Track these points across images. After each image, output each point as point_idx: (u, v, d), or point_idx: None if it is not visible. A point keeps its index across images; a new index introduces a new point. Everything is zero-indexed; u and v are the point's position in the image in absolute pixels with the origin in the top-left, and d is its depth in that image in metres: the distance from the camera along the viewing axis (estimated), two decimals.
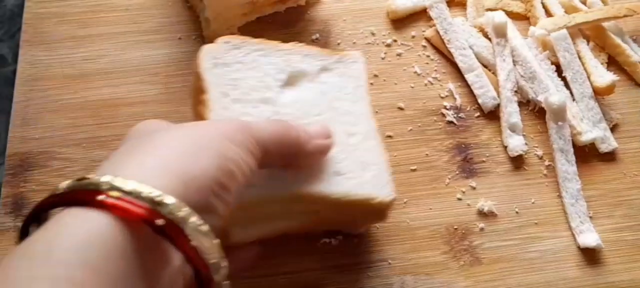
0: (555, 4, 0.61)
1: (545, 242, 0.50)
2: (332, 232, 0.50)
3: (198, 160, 0.32)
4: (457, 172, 0.53)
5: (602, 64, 0.58)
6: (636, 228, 0.51)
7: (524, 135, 0.54)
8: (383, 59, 0.58)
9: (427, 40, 0.60)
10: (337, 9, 0.61)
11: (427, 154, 0.54)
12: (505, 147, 0.54)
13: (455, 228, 0.50)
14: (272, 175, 0.40)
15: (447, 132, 0.54)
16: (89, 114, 0.55)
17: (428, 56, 0.59)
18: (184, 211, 0.29)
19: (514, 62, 0.57)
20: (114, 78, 0.57)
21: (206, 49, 0.44)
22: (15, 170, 0.52)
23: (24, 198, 0.51)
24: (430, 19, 0.60)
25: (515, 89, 0.56)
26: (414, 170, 0.53)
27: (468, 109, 0.56)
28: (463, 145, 0.54)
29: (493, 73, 0.57)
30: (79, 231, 0.27)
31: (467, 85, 0.57)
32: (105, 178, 0.29)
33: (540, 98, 0.54)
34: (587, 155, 0.54)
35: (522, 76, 0.56)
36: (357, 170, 0.43)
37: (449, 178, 0.53)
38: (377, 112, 0.52)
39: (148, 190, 0.29)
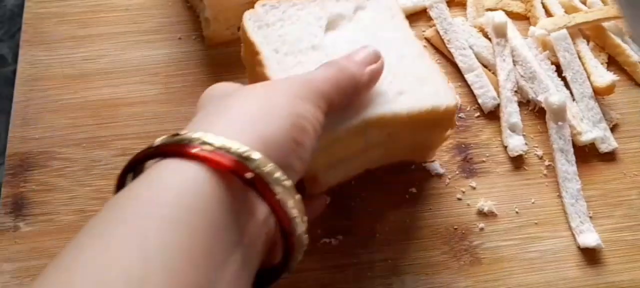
0: (555, 4, 0.61)
1: (545, 242, 0.50)
2: (332, 232, 0.50)
3: (274, 120, 0.34)
4: (457, 172, 0.53)
5: (602, 64, 0.58)
6: (636, 228, 0.51)
7: (524, 135, 0.54)
8: None
9: (427, 40, 0.60)
10: None
11: None
12: (505, 147, 0.54)
13: (455, 228, 0.50)
14: (340, 112, 0.43)
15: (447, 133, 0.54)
16: (89, 114, 0.55)
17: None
18: (269, 166, 0.31)
19: (514, 62, 0.57)
20: (114, 78, 0.57)
21: (248, 14, 0.47)
22: (15, 170, 0.52)
23: (24, 198, 0.51)
24: (430, 19, 0.60)
25: (515, 89, 0.56)
26: (414, 169, 0.53)
27: (468, 109, 0.56)
28: (463, 145, 0.54)
29: (493, 73, 0.57)
30: (178, 179, 0.30)
31: (467, 85, 0.57)
32: (196, 134, 0.31)
33: (540, 98, 0.54)
34: (587, 155, 0.54)
35: (522, 76, 0.56)
36: (417, 86, 0.46)
37: (449, 178, 0.53)
38: None
39: (236, 146, 0.31)
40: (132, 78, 0.57)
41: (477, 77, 0.57)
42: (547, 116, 0.54)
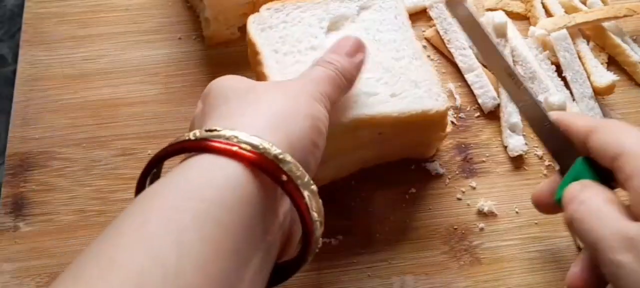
0: (555, 4, 0.61)
1: (545, 242, 0.50)
2: (332, 232, 0.50)
3: (298, 121, 0.35)
4: (457, 172, 0.53)
5: (602, 64, 0.57)
6: None
7: (524, 135, 0.54)
8: None
9: (427, 40, 0.60)
10: None
11: None
12: (505, 147, 0.54)
13: (455, 228, 0.50)
14: (333, 108, 0.44)
15: (446, 133, 0.54)
16: (89, 114, 0.55)
17: (428, 56, 0.58)
18: (301, 170, 0.32)
19: (514, 62, 0.57)
20: (114, 78, 0.57)
21: (252, 18, 0.49)
22: (15, 170, 0.52)
23: (24, 198, 0.51)
24: (430, 19, 0.60)
25: None
26: (414, 169, 0.53)
27: (468, 108, 0.56)
28: (463, 145, 0.54)
29: (493, 73, 0.57)
30: (217, 174, 0.30)
31: (467, 85, 0.57)
32: (233, 133, 0.32)
33: (541, 98, 0.54)
34: None
35: (522, 76, 0.56)
36: (410, 88, 0.47)
37: (449, 178, 0.53)
38: None
39: (273, 147, 0.32)
40: (132, 78, 0.57)
41: (477, 77, 0.57)
42: None
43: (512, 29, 0.59)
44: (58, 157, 0.53)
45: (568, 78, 0.56)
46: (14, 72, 0.57)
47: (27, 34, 0.59)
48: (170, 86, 0.57)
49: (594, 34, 0.59)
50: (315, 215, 0.33)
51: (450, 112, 0.55)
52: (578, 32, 0.59)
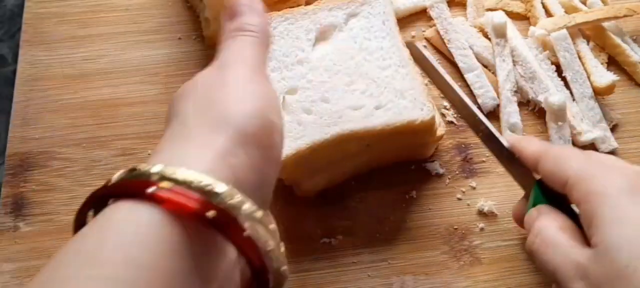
0: (555, 4, 0.61)
1: None
2: (332, 232, 0.50)
3: (243, 126, 0.31)
4: (457, 172, 0.53)
5: (602, 64, 0.57)
6: None
7: (524, 135, 0.54)
8: None
9: (427, 40, 0.60)
10: None
11: None
12: None
13: (455, 228, 0.50)
14: (317, 122, 0.45)
15: (447, 132, 0.54)
16: (89, 114, 0.55)
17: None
18: (236, 199, 0.28)
19: (514, 62, 0.57)
20: (114, 78, 0.57)
21: None
22: (15, 170, 0.52)
23: (24, 198, 0.51)
24: (430, 19, 0.60)
25: (515, 89, 0.56)
26: (414, 169, 0.53)
27: None
28: (463, 145, 0.54)
29: (493, 73, 0.57)
30: (127, 227, 0.26)
31: (467, 85, 0.57)
32: (155, 168, 0.28)
33: (540, 98, 0.54)
34: None
35: (522, 76, 0.56)
36: (395, 99, 0.47)
37: (449, 179, 0.53)
38: None
39: (199, 179, 0.27)
40: (132, 78, 0.57)
41: (477, 77, 0.56)
42: (547, 116, 0.54)
43: (512, 29, 0.59)
44: (58, 157, 0.53)
45: (568, 78, 0.56)
46: (14, 72, 0.57)
47: (27, 34, 0.59)
48: (170, 86, 0.57)
49: (594, 34, 0.59)
50: (267, 244, 0.29)
51: (450, 112, 0.55)
52: (578, 32, 0.59)
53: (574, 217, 0.39)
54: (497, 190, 0.52)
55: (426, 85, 0.51)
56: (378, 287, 0.48)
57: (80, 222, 0.30)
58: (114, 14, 0.61)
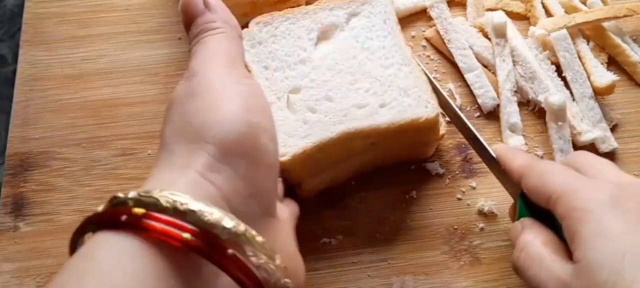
0: (555, 4, 0.61)
1: None
2: (332, 232, 0.50)
3: (227, 127, 0.30)
4: (457, 172, 0.53)
5: (602, 64, 0.57)
6: None
7: (524, 135, 0.54)
8: None
9: (427, 40, 0.60)
10: None
11: None
12: None
13: (455, 228, 0.50)
14: (322, 120, 0.46)
15: (447, 132, 0.54)
16: (89, 114, 0.55)
17: (428, 56, 0.59)
18: (215, 215, 0.26)
19: (514, 62, 0.57)
20: (113, 78, 0.57)
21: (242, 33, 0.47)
22: (15, 170, 0.52)
23: (23, 198, 0.51)
24: (430, 19, 0.60)
25: (515, 89, 0.56)
26: (414, 169, 0.53)
27: (468, 109, 0.56)
28: (463, 145, 0.54)
29: (493, 73, 0.57)
30: (107, 258, 0.25)
31: (467, 85, 0.57)
32: (131, 194, 0.27)
33: (540, 98, 0.54)
34: None
35: (522, 76, 0.56)
36: (399, 97, 0.48)
37: (449, 179, 0.53)
38: None
39: (173, 199, 0.26)
40: (132, 78, 0.57)
41: (477, 77, 0.56)
42: (547, 116, 0.54)
43: (512, 29, 0.59)
44: (58, 157, 0.53)
45: (568, 78, 0.56)
46: (14, 72, 0.57)
47: (27, 34, 0.59)
48: (170, 86, 0.57)
49: (594, 34, 0.59)
50: (258, 259, 0.27)
51: None
52: (578, 32, 0.59)
53: (558, 228, 0.40)
54: (497, 190, 0.52)
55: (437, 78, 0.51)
56: (378, 287, 0.48)
57: (73, 248, 0.29)
58: (114, 14, 0.61)
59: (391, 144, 0.49)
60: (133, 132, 0.54)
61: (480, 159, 0.53)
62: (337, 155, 0.47)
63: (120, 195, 0.27)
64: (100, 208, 0.28)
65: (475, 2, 0.61)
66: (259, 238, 0.28)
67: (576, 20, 0.57)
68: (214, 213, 0.26)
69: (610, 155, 0.54)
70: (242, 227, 0.27)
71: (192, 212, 0.26)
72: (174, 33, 0.60)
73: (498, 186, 0.52)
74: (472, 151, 0.54)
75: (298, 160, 0.45)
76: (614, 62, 0.59)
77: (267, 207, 0.31)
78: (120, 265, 0.25)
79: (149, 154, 0.53)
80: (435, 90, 0.50)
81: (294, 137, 0.45)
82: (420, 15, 0.61)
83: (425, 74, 0.50)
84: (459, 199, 0.52)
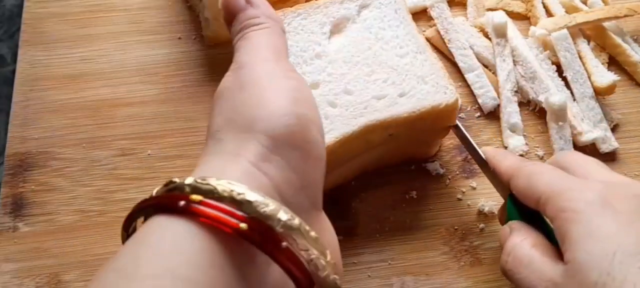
0: (556, 4, 0.60)
1: None
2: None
3: (276, 119, 0.30)
4: (457, 173, 0.53)
5: (602, 64, 0.57)
6: None
7: (524, 135, 0.54)
8: None
9: (428, 40, 0.60)
10: None
11: None
12: (506, 148, 0.54)
13: (456, 229, 0.50)
14: (343, 114, 0.46)
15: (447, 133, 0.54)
16: (88, 114, 0.55)
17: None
18: (271, 207, 0.26)
19: (515, 62, 0.57)
20: (113, 78, 0.57)
21: None
22: (14, 170, 0.52)
23: (23, 199, 0.51)
24: (430, 18, 0.60)
25: (515, 89, 0.56)
26: (414, 169, 0.53)
27: (468, 109, 0.56)
28: (463, 146, 0.54)
29: (493, 73, 0.57)
30: (164, 241, 0.25)
31: (467, 85, 0.57)
32: (188, 180, 0.27)
33: (541, 98, 0.54)
34: (587, 155, 0.54)
35: (522, 76, 0.56)
36: (417, 85, 0.48)
37: (449, 179, 0.52)
38: None
39: (230, 188, 0.26)
40: (132, 78, 0.57)
41: (477, 77, 0.56)
42: (548, 116, 0.54)
43: (513, 29, 0.59)
44: (58, 157, 0.53)
45: (569, 78, 0.56)
46: (14, 72, 0.57)
47: (27, 34, 0.59)
48: (170, 86, 0.57)
49: (594, 34, 0.59)
50: (309, 253, 0.27)
51: None
52: (579, 32, 0.59)
53: (547, 230, 0.39)
54: None
55: None
56: (378, 287, 0.48)
57: (127, 234, 0.29)
58: (113, 14, 0.61)
59: (409, 133, 0.49)
60: (133, 132, 0.54)
61: None
62: (354, 150, 0.47)
63: (177, 180, 0.27)
64: (154, 192, 0.28)
65: (475, 2, 0.61)
66: (313, 234, 0.28)
67: (577, 20, 0.57)
68: (269, 205, 0.26)
69: (611, 156, 0.54)
70: (296, 220, 0.27)
71: (249, 202, 0.26)
72: (173, 33, 0.60)
73: None
74: None
75: None
76: (614, 62, 0.59)
77: (315, 200, 0.32)
78: (177, 248, 0.25)
79: (149, 154, 0.53)
80: None
81: None
82: (420, 15, 0.61)
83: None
84: (460, 199, 0.52)
